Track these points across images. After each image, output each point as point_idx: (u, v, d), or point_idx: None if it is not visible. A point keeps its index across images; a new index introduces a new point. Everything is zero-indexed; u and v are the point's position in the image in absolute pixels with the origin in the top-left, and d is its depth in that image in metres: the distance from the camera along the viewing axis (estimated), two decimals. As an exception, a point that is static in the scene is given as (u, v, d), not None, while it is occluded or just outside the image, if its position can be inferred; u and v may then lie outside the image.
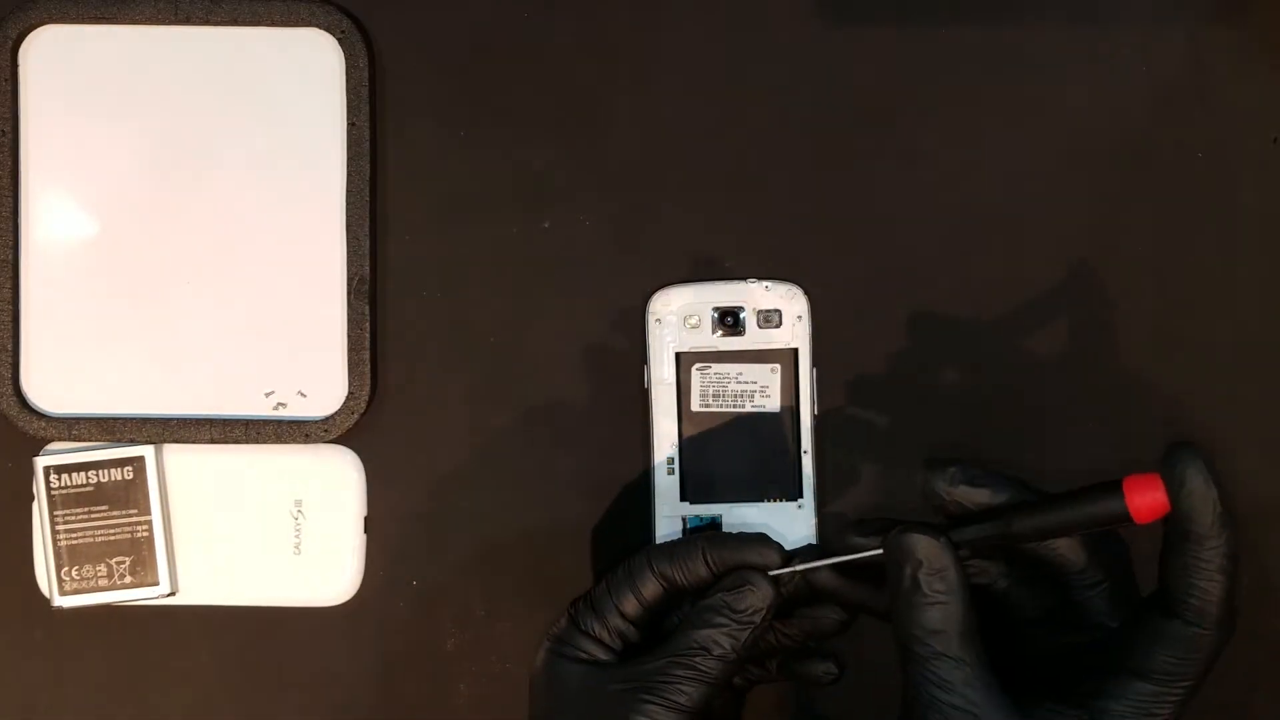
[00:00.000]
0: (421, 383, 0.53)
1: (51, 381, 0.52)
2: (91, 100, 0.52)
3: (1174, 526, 0.40)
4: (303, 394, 0.52)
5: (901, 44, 0.52)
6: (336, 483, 0.52)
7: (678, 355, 0.51)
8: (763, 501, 0.51)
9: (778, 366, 0.51)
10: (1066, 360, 0.52)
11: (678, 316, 0.51)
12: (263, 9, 0.51)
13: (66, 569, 0.51)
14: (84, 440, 0.52)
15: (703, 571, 0.45)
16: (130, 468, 0.52)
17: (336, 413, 0.52)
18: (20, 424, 0.52)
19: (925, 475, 0.44)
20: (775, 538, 0.49)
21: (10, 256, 0.52)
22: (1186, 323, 0.52)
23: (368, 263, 0.52)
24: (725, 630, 0.44)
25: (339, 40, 0.51)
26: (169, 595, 0.52)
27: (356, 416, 0.52)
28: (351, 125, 0.51)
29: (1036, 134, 0.52)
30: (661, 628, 0.47)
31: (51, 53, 0.52)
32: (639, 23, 0.52)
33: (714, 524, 0.51)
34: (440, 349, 0.53)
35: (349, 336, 0.52)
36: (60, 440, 0.52)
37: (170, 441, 0.52)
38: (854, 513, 0.52)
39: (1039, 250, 0.52)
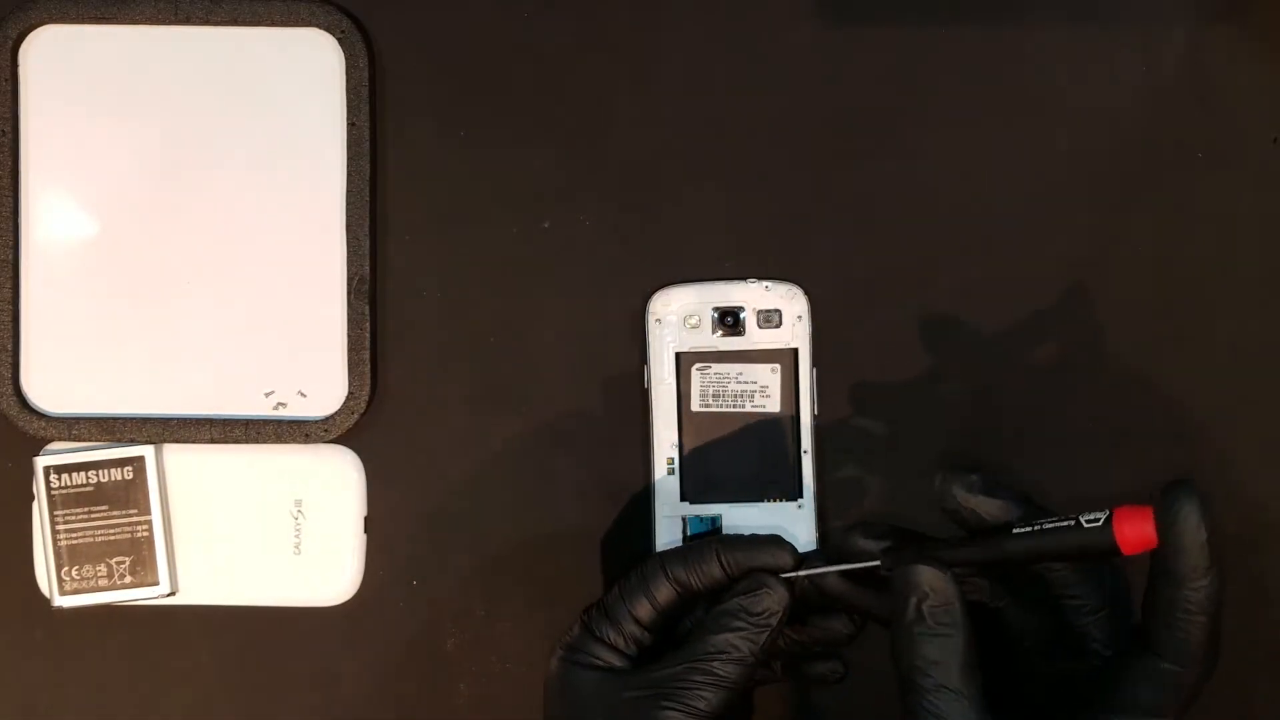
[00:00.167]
0: (421, 383, 0.53)
1: (51, 381, 0.52)
2: (91, 100, 0.52)
3: (1160, 562, 0.39)
4: (303, 394, 0.52)
5: (901, 44, 0.52)
6: (336, 483, 0.52)
7: (678, 355, 0.51)
8: (763, 501, 0.51)
9: (778, 366, 0.51)
10: (1065, 359, 0.52)
11: (678, 317, 0.51)
12: (263, 9, 0.51)
13: (66, 569, 0.51)
14: (84, 440, 0.52)
15: (717, 573, 0.45)
16: (130, 468, 0.52)
17: (336, 413, 0.52)
18: (20, 424, 0.52)
19: (942, 479, 0.44)
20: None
21: (10, 256, 0.52)
22: (1186, 323, 0.52)
23: (368, 263, 0.52)
24: (743, 634, 0.43)
25: (339, 40, 0.51)
26: (169, 595, 0.52)
27: (356, 416, 0.52)
28: (351, 125, 0.51)
29: (1036, 134, 0.52)
30: (674, 633, 0.47)
31: (51, 53, 0.52)
32: (639, 23, 0.52)
33: (714, 525, 0.51)
34: (440, 349, 0.53)
35: (349, 336, 0.52)
36: (60, 440, 0.52)
37: (170, 441, 0.52)
38: (855, 514, 0.52)
39: (1039, 250, 0.52)
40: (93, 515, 0.51)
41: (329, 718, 0.53)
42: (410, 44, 0.52)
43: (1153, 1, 0.52)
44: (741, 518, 0.51)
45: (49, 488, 0.51)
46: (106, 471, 0.52)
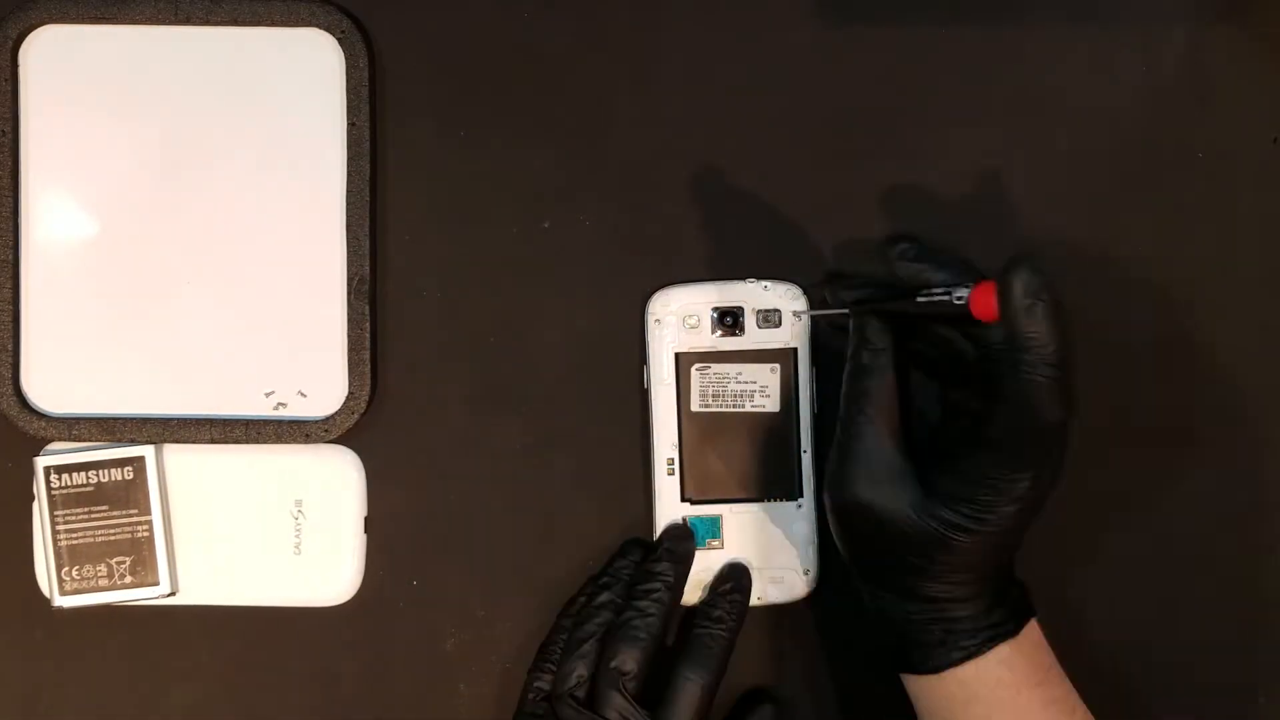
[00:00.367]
0: (421, 383, 0.53)
1: (51, 381, 0.52)
2: (91, 100, 0.52)
3: (1006, 327, 0.43)
4: (303, 394, 0.52)
5: (901, 44, 0.52)
6: (336, 483, 0.52)
7: (677, 355, 0.51)
8: (763, 501, 0.51)
9: (777, 366, 0.51)
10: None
11: (677, 317, 0.51)
12: (263, 9, 0.51)
13: (67, 569, 0.51)
14: (84, 440, 0.52)
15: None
16: (130, 468, 0.52)
17: (336, 413, 0.52)
18: (20, 424, 0.52)
19: (886, 245, 0.49)
20: (776, 537, 0.51)
21: (10, 256, 0.52)
22: (1186, 323, 0.52)
23: (368, 263, 0.52)
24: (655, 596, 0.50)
25: (339, 40, 0.51)
26: (169, 595, 0.52)
27: (356, 416, 0.52)
28: (351, 125, 0.51)
29: (1036, 134, 0.52)
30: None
31: (51, 53, 0.52)
32: (639, 23, 0.52)
33: (715, 525, 0.51)
34: (440, 349, 0.53)
35: (349, 336, 0.52)
36: (60, 440, 0.52)
37: (170, 441, 0.52)
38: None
39: (1039, 250, 0.52)
40: (93, 515, 0.51)
41: (329, 718, 0.53)
42: (410, 44, 0.52)
43: (1153, 1, 0.52)
44: (741, 517, 0.51)
45: (49, 488, 0.51)
46: (106, 471, 0.52)
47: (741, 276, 0.51)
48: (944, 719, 0.47)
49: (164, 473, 0.52)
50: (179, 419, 0.52)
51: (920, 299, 0.46)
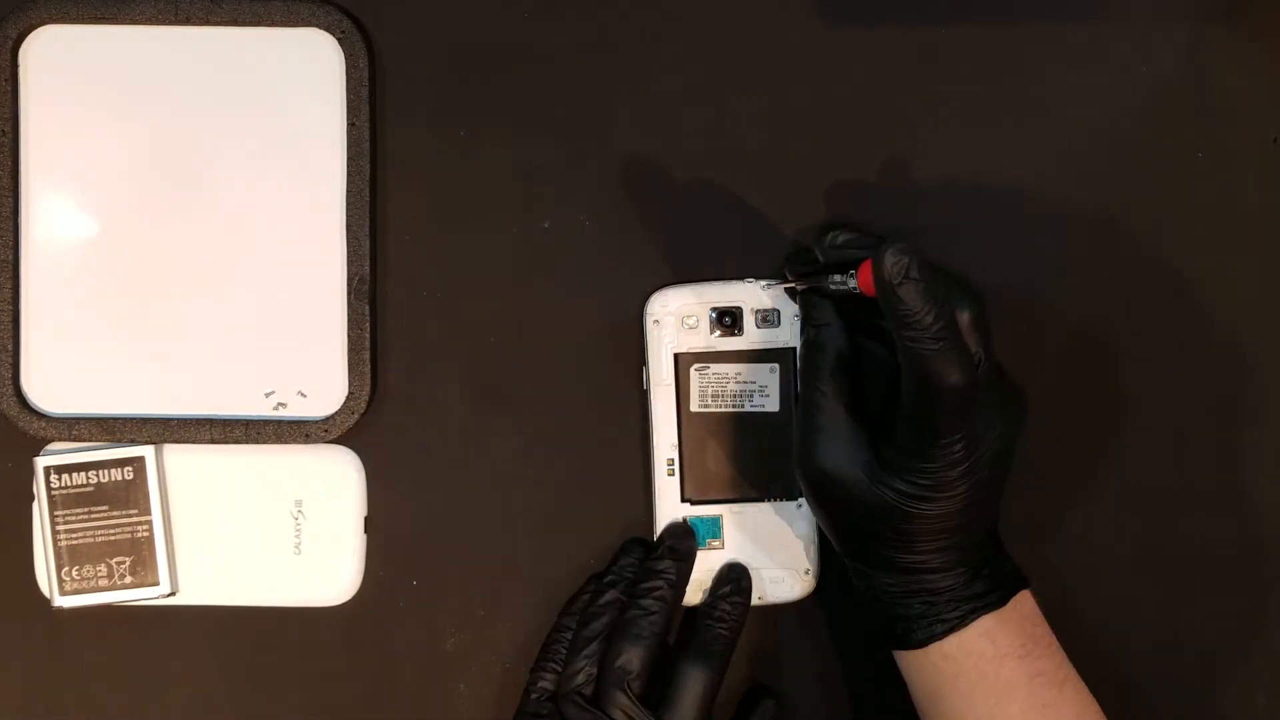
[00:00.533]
0: (421, 383, 0.53)
1: (51, 381, 0.52)
2: (91, 100, 0.52)
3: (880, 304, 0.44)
4: (303, 394, 0.52)
5: (901, 44, 0.52)
6: (336, 483, 0.52)
7: (676, 356, 0.51)
8: (763, 501, 0.51)
9: (776, 366, 0.51)
10: (1065, 359, 0.52)
11: (676, 317, 0.51)
12: (263, 9, 0.51)
13: (66, 569, 0.51)
14: (84, 440, 0.52)
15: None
16: (130, 468, 0.52)
17: (336, 413, 0.52)
18: (20, 424, 0.52)
19: (820, 231, 0.49)
20: (776, 537, 0.51)
21: (10, 256, 0.52)
22: (1187, 322, 0.52)
23: (368, 263, 0.52)
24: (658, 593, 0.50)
25: (339, 40, 0.51)
26: (169, 595, 0.52)
27: (356, 416, 0.52)
28: (351, 125, 0.51)
29: (1036, 134, 0.52)
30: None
31: (51, 53, 0.52)
32: (639, 23, 0.52)
33: (715, 525, 0.51)
34: (440, 349, 0.53)
35: (349, 336, 0.52)
36: (60, 440, 0.52)
37: (170, 441, 0.52)
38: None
39: (1038, 250, 0.52)
40: (93, 515, 0.51)
41: (329, 718, 0.53)
42: (410, 44, 0.52)
43: (1153, 1, 0.52)
44: (741, 517, 0.51)
45: (49, 488, 0.51)
46: (106, 471, 0.52)
47: (740, 276, 0.51)
48: (932, 694, 0.47)
49: (164, 473, 0.52)
50: (179, 419, 0.52)
51: (833, 281, 0.47)
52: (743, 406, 0.51)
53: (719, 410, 0.51)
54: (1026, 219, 0.52)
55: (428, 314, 0.53)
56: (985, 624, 0.46)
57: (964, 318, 0.45)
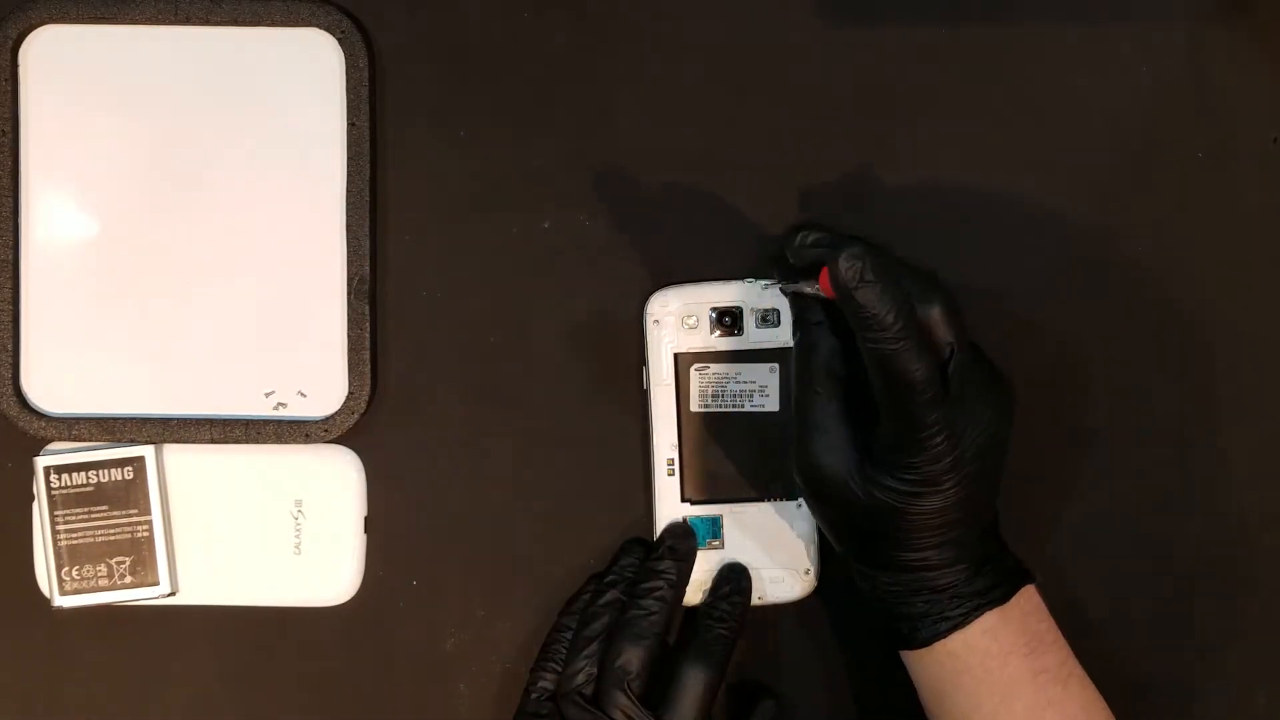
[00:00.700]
0: (421, 383, 0.53)
1: (51, 381, 0.52)
2: (91, 100, 0.52)
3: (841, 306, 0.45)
4: (303, 394, 0.52)
5: (901, 44, 0.52)
6: (336, 483, 0.52)
7: (676, 356, 0.51)
8: (763, 501, 0.51)
9: (776, 366, 0.51)
10: (1065, 358, 0.52)
11: (676, 317, 0.51)
12: (263, 9, 0.51)
13: (66, 569, 0.51)
14: (84, 440, 0.52)
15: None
16: (130, 468, 0.52)
17: (336, 413, 0.52)
18: (20, 424, 0.52)
19: (792, 231, 0.49)
20: (776, 537, 0.51)
21: (10, 256, 0.52)
22: (1187, 322, 0.52)
23: (368, 263, 0.52)
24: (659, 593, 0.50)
25: (339, 40, 0.51)
26: (169, 595, 0.52)
27: (356, 416, 0.52)
28: (351, 125, 0.51)
29: (1037, 134, 0.52)
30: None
31: (51, 53, 0.52)
32: (639, 22, 0.52)
33: (715, 525, 0.51)
34: (440, 349, 0.53)
35: (349, 336, 0.52)
36: (60, 440, 0.52)
37: (170, 441, 0.52)
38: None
39: (1038, 250, 0.52)
40: (93, 515, 0.51)
41: (329, 718, 0.53)
42: (410, 44, 0.52)
43: (1153, 1, 0.52)
44: (741, 517, 0.51)
45: (49, 488, 0.51)
46: (106, 471, 0.52)
47: (740, 276, 0.51)
48: (938, 692, 0.47)
49: (164, 473, 0.52)
50: (179, 419, 0.52)
51: (807, 285, 0.47)
52: (743, 406, 0.51)
53: (719, 410, 0.51)
54: (1026, 219, 0.52)
55: (428, 314, 0.53)
56: (988, 621, 0.46)
57: (933, 312, 0.45)
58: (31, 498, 0.52)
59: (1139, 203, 0.52)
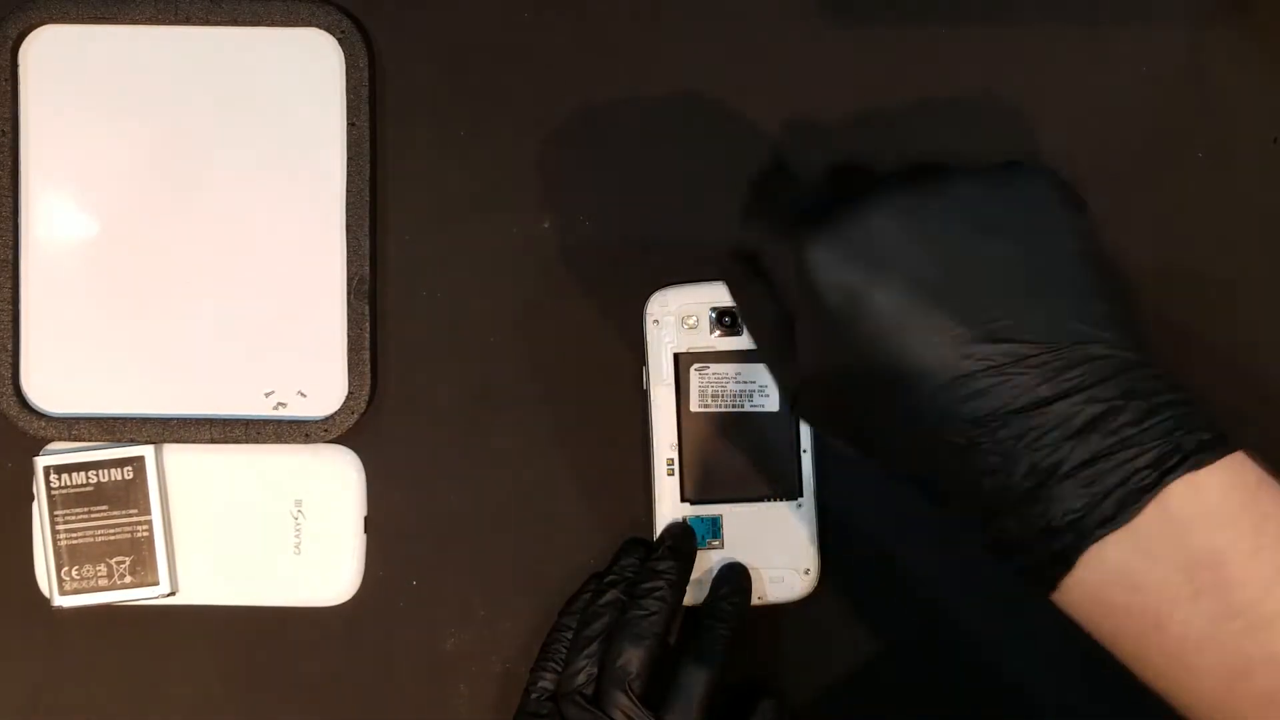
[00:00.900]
0: (421, 383, 0.53)
1: (51, 381, 0.52)
2: (91, 100, 0.52)
3: None
4: (303, 394, 0.52)
5: (901, 44, 0.52)
6: (336, 483, 0.52)
7: (676, 356, 0.51)
8: (763, 501, 0.51)
9: (777, 366, 0.51)
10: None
11: (675, 317, 0.51)
12: (263, 9, 0.51)
13: (66, 569, 0.51)
14: (84, 440, 0.52)
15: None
16: (130, 468, 0.52)
17: (336, 413, 0.52)
18: (20, 424, 0.52)
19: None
20: (776, 537, 0.51)
21: (10, 256, 0.52)
22: (1187, 323, 0.52)
23: (368, 263, 0.52)
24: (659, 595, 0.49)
25: (339, 40, 0.51)
26: (169, 595, 0.52)
27: (356, 416, 0.52)
28: (351, 125, 0.51)
29: (1036, 134, 0.52)
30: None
31: (51, 53, 0.52)
32: (638, 23, 0.52)
33: (715, 525, 0.51)
34: (440, 349, 0.53)
35: (349, 336, 0.52)
36: (60, 440, 0.52)
37: (170, 441, 0.52)
38: (855, 508, 0.52)
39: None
40: (93, 515, 0.51)
41: (329, 718, 0.53)
42: (410, 44, 0.52)
43: (1153, 1, 0.52)
44: (741, 517, 0.51)
45: (49, 488, 0.51)
46: (106, 471, 0.52)
47: (741, 276, 0.51)
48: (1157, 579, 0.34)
49: (164, 473, 0.52)
50: (179, 419, 0.52)
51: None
52: (743, 406, 0.51)
53: (719, 410, 0.51)
54: (1026, 219, 0.52)
55: (428, 314, 0.53)
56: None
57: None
58: (31, 498, 0.52)
59: (1139, 203, 0.52)
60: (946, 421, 0.36)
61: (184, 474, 0.52)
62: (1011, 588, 0.52)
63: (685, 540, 0.51)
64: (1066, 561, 0.35)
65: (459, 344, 0.53)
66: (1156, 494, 0.34)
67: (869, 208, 0.38)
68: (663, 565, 0.50)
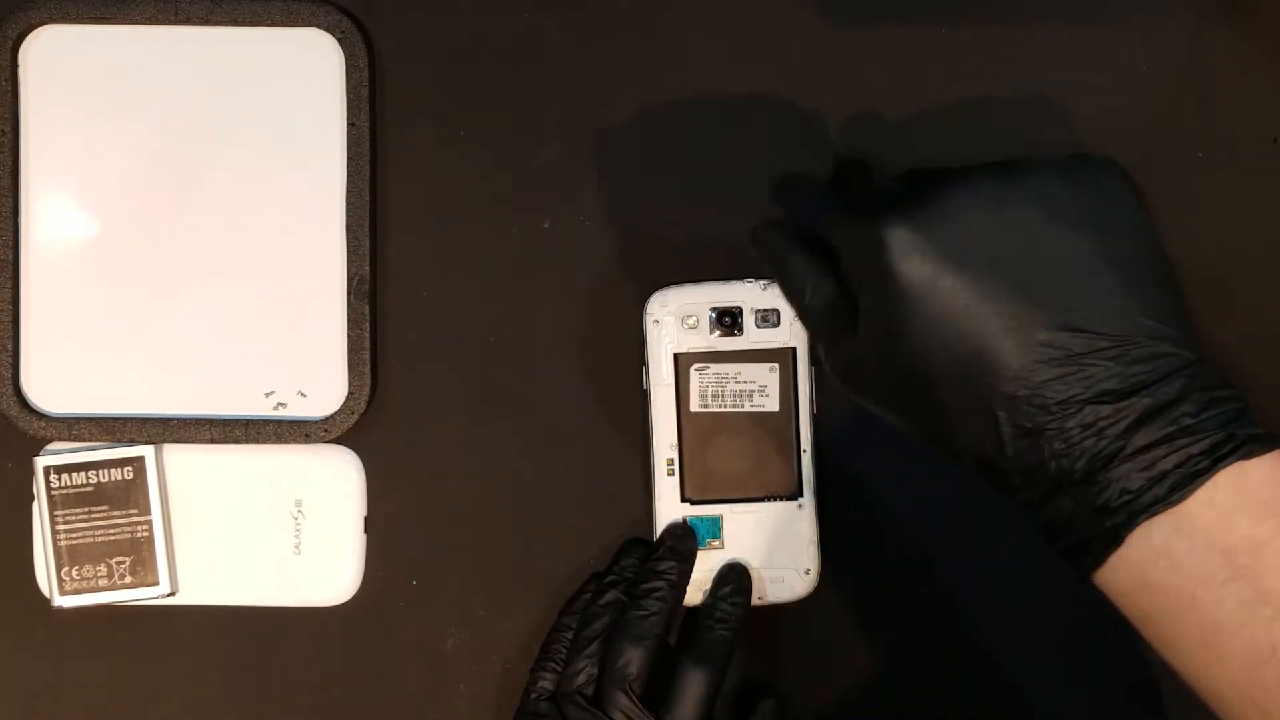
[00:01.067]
0: (421, 383, 0.53)
1: (51, 381, 0.52)
2: (91, 100, 0.52)
3: None
4: (303, 394, 0.52)
5: (901, 44, 0.52)
6: (336, 483, 0.52)
7: (676, 356, 0.51)
8: (763, 501, 0.51)
9: (776, 366, 0.51)
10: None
11: (676, 317, 0.51)
12: (263, 9, 0.51)
13: (66, 569, 0.51)
14: (84, 440, 0.52)
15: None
16: (130, 468, 0.52)
17: (336, 413, 0.52)
18: (20, 424, 0.52)
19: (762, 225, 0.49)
20: (776, 537, 0.51)
21: (10, 256, 0.52)
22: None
23: (368, 263, 0.52)
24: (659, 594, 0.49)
25: (339, 40, 0.51)
26: (169, 595, 0.52)
27: (356, 416, 0.52)
28: (351, 125, 0.51)
29: (1037, 134, 0.52)
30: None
31: (51, 53, 0.52)
32: (639, 22, 0.52)
33: (715, 525, 0.51)
34: (440, 349, 0.53)
35: (349, 336, 0.52)
36: (60, 440, 0.52)
37: (170, 441, 0.52)
38: (855, 508, 0.52)
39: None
40: (93, 515, 0.51)
41: (329, 718, 0.53)
42: (410, 44, 0.52)
43: (1153, 1, 0.52)
44: (741, 517, 0.51)
45: (49, 488, 0.51)
46: (106, 471, 0.52)
47: (740, 276, 0.51)
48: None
49: (164, 473, 0.52)
50: (179, 419, 0.52)
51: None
52: (742, 406, 0.51)
53: (719, 410, 0.51)
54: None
55: (428, 314, 0.53)
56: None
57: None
58: (31, 498, 0.52)
59: (1139, 203, 0.52)
60: (1018, 405, 0.37)
61: (184, 474, 0.52)
62: (1012, 587, 0.52)
63: (685, 540, 0.51)
64: (1116, 539, 0.36)
65: (459, 344, 0.53)
66: (1210, 478, 0.35)
67: (954, 191, 0.40)
68: (663, 565, 0.50)
